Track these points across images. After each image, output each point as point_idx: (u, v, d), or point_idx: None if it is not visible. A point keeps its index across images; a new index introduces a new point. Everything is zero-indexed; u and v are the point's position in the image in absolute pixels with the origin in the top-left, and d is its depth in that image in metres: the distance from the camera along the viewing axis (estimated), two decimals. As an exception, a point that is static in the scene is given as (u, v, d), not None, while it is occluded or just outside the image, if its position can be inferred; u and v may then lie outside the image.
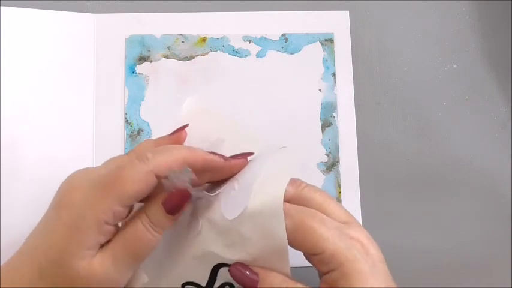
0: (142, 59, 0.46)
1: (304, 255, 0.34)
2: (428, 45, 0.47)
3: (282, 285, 0.31)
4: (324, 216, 0.32)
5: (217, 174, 0.33)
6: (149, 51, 0.46)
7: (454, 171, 0.45)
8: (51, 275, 0.29)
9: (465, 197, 0.45)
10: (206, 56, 0.46)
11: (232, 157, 0.34)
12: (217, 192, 0.33)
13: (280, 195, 0.31)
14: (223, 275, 0.33)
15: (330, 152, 0.45)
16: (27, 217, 0.41)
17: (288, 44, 0.46)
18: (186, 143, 0.35)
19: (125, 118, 0.44)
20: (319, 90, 0.46)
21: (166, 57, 0.46)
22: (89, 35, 0.45)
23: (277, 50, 0.46)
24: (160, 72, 0.45)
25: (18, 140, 0.42)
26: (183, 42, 0.46)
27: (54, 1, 0.45)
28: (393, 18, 0.48)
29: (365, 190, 0.44)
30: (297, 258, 0.33)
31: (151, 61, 0.45)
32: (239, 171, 0.34)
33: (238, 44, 0.46)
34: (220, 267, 0.33)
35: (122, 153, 0.44)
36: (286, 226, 0.31)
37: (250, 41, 0.46)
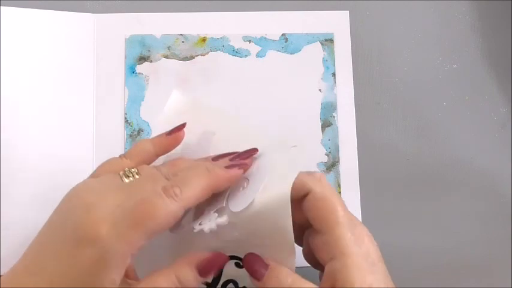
0: (142, 59, 0.46)
1: (303, 251, 0.34)
2: (428, 45, 0.47)
3: (287, 279, 0.31)
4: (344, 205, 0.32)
5: (227, 183, 0.33)
6: (149, 51, 0.46)
7: (454, 171, 0.45)
8: None
9: (465, 197, 0.45)
10: (206, 56, 0.46)
11: (239, 155, 0.33)
12: (226, 195, 0.33)
13: (287, 190, 0.31)
14: (228, 273, 0.33)
15: (330, 152, 0.45)
16: (27, 216, 0.41)
17: (288, 44, 0.46)
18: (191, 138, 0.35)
19: (125, 118, 0.44)
20: (319, 90, 0.46)
21: (166, 57, 0.46)
22: (89, 35, 0.45)
23: (277, 50, 0.46)
24: (160, 72, 0.45)
25: (18, 139, 0.42)
26: (183, 42, 0.46)
27: (54, 1, 0.45)
28: (393, 18, 0.48)
29: (365, 190, 0.44)
30: (297, 258, 0.33)
31: (151, 61, 0.45)
32: (245, 171, 0.33)
33: (238, 44, 0.46)
34: (228, 284, 0.33)
35: (122, 153, 0.43)
36: (314, 190, 0.31)
37: (250, 41, 0.46)
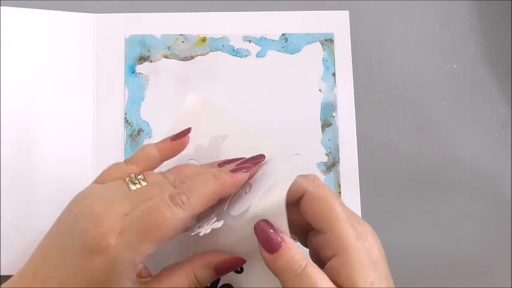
0: (142, 59, 0.46)
1: (311, 251, 0.34)
2: (428, 45, 0.47)
3: (302, 262, 0.30)
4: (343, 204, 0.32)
5: (231, 190, 0.33)
6: (149, 51, 0.46)
7: (454, 171, 0.45)
8: None
9: (465, 197, 0.45)
10: (206, 56, 0.46)
11: (246, 161, 0.33)
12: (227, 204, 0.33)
13: (282, 195, 0.31)
14: (224, 277, 0.33)
15: (330, 152, 0.45)
16: (27, 216, 0.41)
17: (288, 44, 0.46)
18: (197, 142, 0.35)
19: (125, 118, 0.44)
20: (319, 90, 0.46)
21: (166, 57, 0.46)
22: (89, 35, 0.45)
23: (277, 50, 0.46)
24: (160, 72, 0.45)
25: (18, 139, 0.42)
26: (183, 42, 0.46)
27: (54, 1, 0.45)
28: (393, 18, 0.48)
29: (365, 190, 0.44)
30: None
31: (151, 61, 0.45)
32: (251, 177, 0.34)
33: (238, 44, 0.46)
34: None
35: (122, 153, 0.44)
36: (309, 191, 0.31)
37: (250, 41, 0.46)
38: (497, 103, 0.47)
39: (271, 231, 0.30)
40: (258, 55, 0.46)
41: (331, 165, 0.44)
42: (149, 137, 0.44)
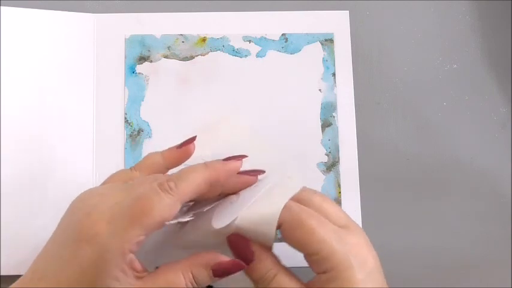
0: (142, 59, 0.46)
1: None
2: (428, 45, 0.47)
3: (276, 266, 0.31)
4: (325, 219, 0.32)
5: (229, 187, 0.33)
6: (149, 51, 0.46)
7: (454, 171, 0.45)
8: None
9: (465, 197, 0.45)
10: (206, 56, 0.46)
11: (244, 172, 0.34)
12: (212, 205, 0.33)
13: (278, 208, 0.31)
14: None
15: (330, 152, 0.45)
16: (27, 216, 0.41)
17: (288, 44, 0.46)
18: (209, 151, 0.35)
19: (125, 118, 0.44)
20: (319, 90, 0.46)
21: (166, 57, 0.46)
22: (89, 35, 0.45)
23: (277, 50, 0.46)
24: (160, 72, 0.45)
25: (18, 139, 0.42)
26: (183, 42, 0.46)
27: (54, 1, 0.45)
28: (393, 18, 0.48)
29: (365, 190, 0.44)
30: (293, 259, 0.33)
31: (151, 61, 0.45)
32: (248, 186, 0.34)
33: (238, 44, 0.46)
34: None
35: (122, 153, 0.44)
36: (286, 221, 0.31)
37: (250, 41, 0.46)
38: (497, 103, 0.47)
39: (243, 245, 0.31)
40: (258, 55, 0.46)
41: (331, 165, 0.44)
42: (149, 137, 0.44)
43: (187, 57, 0.46)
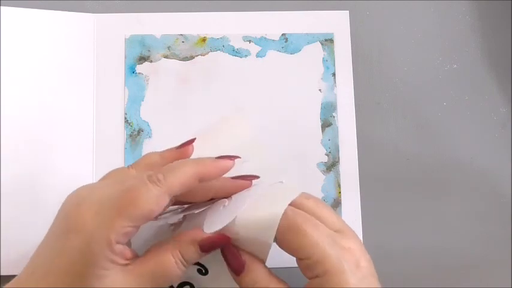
0: (142, 59, 0.46)
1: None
2: (428, 45, 0.47)
3: (264, 279, 0.31)
4: (319, 222, 0.32)
5: (222, 190, 0.33)
6: (149, 51, 0.46)
7: (454, 171, 0.45)
8: None
9: (465, 197, 0.45)
10: (206, 56, 0.46)
11: (238, 177, 0.34)
12: (204, 208, 0.33)
13: (277, 215, 0.31)
14: (188, 273, 0.34)
15: (330, 152, 0.45)
16: (27, 216, 0.41)
17: (288, 44, 0.46)
18: (208, 152, 0.35)
19: (125, 118, 0.44)
20: (319, 90, 0.46)
21: (166, 57, 0.46)
22: (89, 35, 0.45)
23: (277, 50, 0.46)
24: (160, 72, 0.45)
25: (18, 140, 0.42)
26: (183, 42, 0.46)
27: (54, 1, 0.45)
28: (393, 18, 0.48)
29: (365, 190, 0.44)
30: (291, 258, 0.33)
31: (151, 61, 0.45)
32: (240, 190, 0.34)
33: (238, 44, 0.46)
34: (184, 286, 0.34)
35: (122, 153, 0.44)
36: (279, 225, 0.31)
37: (250, 41, 0.46)
38: (497, 103, 0.47)
39: (235, 254, 0.32)
40: (258, 55, 0.46)
41: (331, 165, 0.44)
42: (149, 137, 0.44)
43: (187, 57, 0.46)
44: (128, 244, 0.31)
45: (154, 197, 0.29)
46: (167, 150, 0.35)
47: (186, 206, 0.35)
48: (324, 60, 0.46)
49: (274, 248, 0.32)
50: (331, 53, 0.46)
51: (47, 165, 0.42)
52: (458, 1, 0.48)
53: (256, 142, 0.37)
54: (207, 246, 0.31)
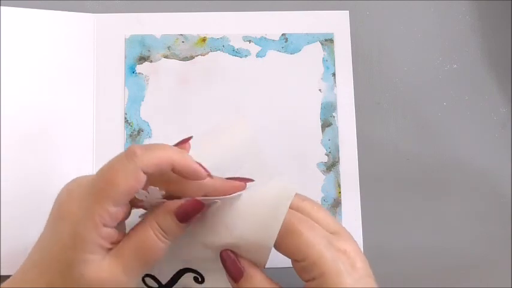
0: (142, 59, 0.46)
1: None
2: (428, 45, 0.47)
3: (263, 285, 0.31)
4: (315, 224, 0.32)
5: (213, 189, 0.33)
6: (149, 51, 0.46)
7: (454, 171, 0.45)
8: (62, 286, 0.29)
9: (465, 197, 0.45)
10: (206, 56, 0.46)
11: (233, 178, 0.34)
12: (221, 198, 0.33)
13: (279, 218, 0.31)
14: (184, 280, 0.34)
15: (330, 152, 0.45)
16: (27, 216, 0.41)
17: (288, 44, 0.46)
18: (207, 153, 0.35)
19: (125, 118, 0.44)
20: (319, 90, 0.46)
21: (166, 57, 0.46)
22: (89, 35, 0.45)
23: (277, 50, 0.46)
24: (160, 72, 0.45)
25: (18, 139, 0.42)
26: (183, 42, 0.46)
27: (54, 1, 0.45)
28: (393, 18, 0.48)
29: (365, 190, 0.44)
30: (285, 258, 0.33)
31: (151, 61, 0.45)
32: (234, 192, 0.33)
33: (238, 44, 0.46)
34: (185, 273, 0.34)
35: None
36: None
37: (250, 41, 0.46)
38: (497, 103, 0.47)
39: (234, 260, 0.32)
40: (258, 55, 0.46)
41: (331, 165, 0.44)
42: (149, 137, 0.44)
43: (187, 57, 0.46)
44: (121, 228, 0.32)
45: (131, 173, 0.29)
46: None
47: None
48: (324, 60, 0.46)
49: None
50: (331, 53, 0.46)
51: (47, 165, 0.42)
52: (458, 1, 0.48)
53: (256, 144, 0.37)
54: (181, 213, 0.31)
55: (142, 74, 0.45)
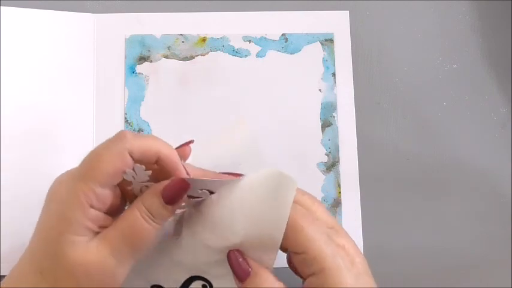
0: (142, 59, 0.46)
1: (288, 259, 0.34)
2: (428, 45, 0.47)
3: (271, 285, 0.31)
4: (316, 218, 0.32)
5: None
6: (149, 51, 0.46)
7: (454, 171, 0.45)
8: (51, 271, 0.29)
9: (465, 197, 0.45)
10: (206, 56, 0.46)
11: (226, 172, 0.34)
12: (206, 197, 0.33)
13: (286, 211, 0.31)
14: None
15: (330, 152, 0.45)
16: (27, 215, 0.41)
17: (288, 44, 0.46)
18: (206, 152, 0.35)
19: (125, 118, 0.44)
20: (319, 90, 0.46)
21: (166, 57, 0.46)
22: (89, 35, 0.45)
23: (277, 50, 0.46)
24: (160, 72, 0.45)
25: (18, 139, 0.42)
26: (183, 42, 0.46)
27: (54, 1, 0.45)
28: (393, 18, 0.48)
29: (365, 190, 0.44)
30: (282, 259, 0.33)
31: (151, 61, 0.45)
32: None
33: (238, 44, 0.46)
34: (194, 280, 0.33)
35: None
36: None
37: (250, 41, 0.46)
38: (497, 103, 0.47)
39: (240, 260, 0.32)
40: (258, 55, 0.46)
41: (331, 165, 0.44)
42: (149, 137, 0.44)
43: (187, 57, 0.46)
44: (113, 215, 0.31)
45: (118, 153, 0.30)
46: None
47: (180, 213, 0.35)
48: (324, 60, 0.46)
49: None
50: (331, 53, 0.46)
51: (47, 165, 0.42)
52: (458, 1, 0.48)
53: (256, 144, 0.37)
54: (168, 194, 0.30)
55: (142, 74, 0.45)
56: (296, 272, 0.33)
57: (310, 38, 0.46)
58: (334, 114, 0.45)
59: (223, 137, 0.37)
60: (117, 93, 0.45)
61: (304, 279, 0.31)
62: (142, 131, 0.44)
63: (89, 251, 0.29)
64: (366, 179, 0.44)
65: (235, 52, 0.46)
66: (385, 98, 0.46)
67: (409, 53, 0.47)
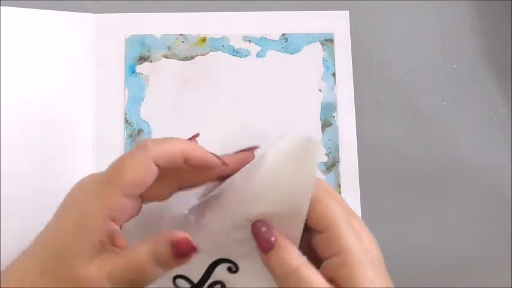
0: (142, 59, 0.46)
1: (301, 247, 0.34)
2: (428, 45, 0.47)
3: (293, 262, 0.30)
4: (339, 198, 0.32)
5: (227, 168, 0.32)
6: (149, 51, 0.46)
7: (454, 171, 0.45)
8: (53, 272, 0.29)
9: (465, 197, 0.45)
10: (206, 56, 0.46)
11: (240, 150, 0.33)
12: (217, 189, 0.33)
13: (311, 175, 0.30)
14: (217, 274, 0.33)
15: (330, 152, 0.45)
16: (27, 215, 0.41)
17: (288, 44, 0.46)
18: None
19: (125, 118, 0.44)
20: (319, 90, 0.46)
21: (166, 57, 0.46)
22: (89, 35, 0.45)
23: (277, 50, 0.46)
24: (160, 72, 0.45)
25: (18, 139, 0.42)
26: (183, 42, 0.46)
27: (54, 1, 0.45)
28: (393, 18, 0.48)
29: (365, 190, 0.44)
30: None
31: (151, 61, 0.45)
32: (245, 164, 0.33)
33: (238, 44, 0.46)
34: (219, 264, 0.33)
35: (122, 153, 0.43)
36: None
37: (250, 41, 0.46)
38: (497, 103, 0.47)
39: (264, 230, 0.30)
40: (258, 55, 0.46)
41: (331, 165, 0.44)
42: (149, 137, 0.44)
43: (187, 57, 0.46)
44: (129, 235, 0.31)
45: (141, 163, 0.29)
46: None
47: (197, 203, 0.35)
48: (324, 60, 0.46)
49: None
50: (331, 53, 0.46)
51: (46, 165, 0.42)
52: (458, 1, 0.48)
53: (247, 127, 0.37)
54: (178, 247, 0.29)
55: (142, 74, 0.45)
56: (310, 256, 0.33)
57: (310, 38, 0.46)
58: (334, 114, 0.45)
59: (213, 127, 0.36)
60: (117, 93, 0.45)
61: (323, 260, 0.31)
62: (142, 131, 0.44)
63: (91, 267, 0.29)
64: (366, 179, 0.44)
65: (235, 52, 0.46)
66: (385, 98, 0.46)
67: (409, 53, 0.47)
